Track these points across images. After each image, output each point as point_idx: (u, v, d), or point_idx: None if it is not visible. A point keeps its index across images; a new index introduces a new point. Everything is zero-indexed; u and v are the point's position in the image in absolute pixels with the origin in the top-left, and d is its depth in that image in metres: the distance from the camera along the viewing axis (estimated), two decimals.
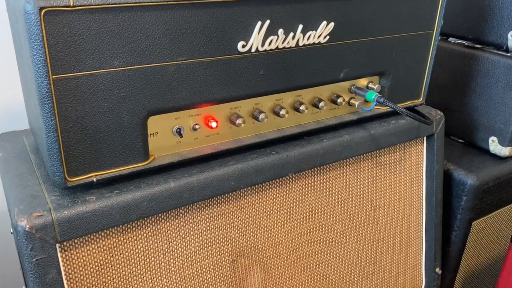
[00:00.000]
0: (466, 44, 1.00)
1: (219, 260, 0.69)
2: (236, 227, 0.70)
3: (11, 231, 0.71)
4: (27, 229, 0.52)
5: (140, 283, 0.63)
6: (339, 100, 0.74)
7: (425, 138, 0.89)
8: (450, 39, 1.04)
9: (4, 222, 0.99)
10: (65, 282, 0.56)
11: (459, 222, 0.96)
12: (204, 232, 0.67)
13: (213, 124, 0.64)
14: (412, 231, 0.92)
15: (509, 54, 0.92)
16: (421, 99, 0.85)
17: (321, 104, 0.72)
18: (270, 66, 0.64)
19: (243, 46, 0.61)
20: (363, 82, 0.78)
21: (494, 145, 0.97)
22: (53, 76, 0.49)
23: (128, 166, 0.59)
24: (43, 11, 0.46)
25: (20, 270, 0.84)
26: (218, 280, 0.69)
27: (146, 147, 0.59)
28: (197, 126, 0.63)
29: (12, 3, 0.56)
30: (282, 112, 0.69)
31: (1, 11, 0.85)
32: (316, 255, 0.80)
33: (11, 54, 0.87)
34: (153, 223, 0.62)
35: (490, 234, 1.05)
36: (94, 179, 0.56)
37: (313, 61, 0.68)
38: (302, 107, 0.70)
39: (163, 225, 0.63)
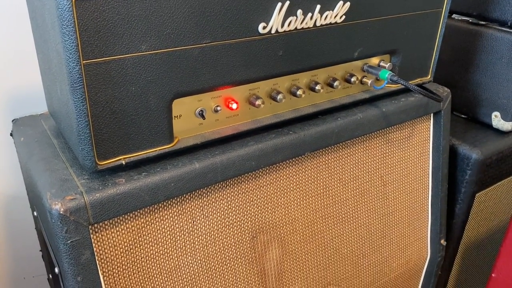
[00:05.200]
0: (470, 20, 1.01)
1: (240, 237, 0.71)
2: (255, 205, 0.72)
3: (35, 214, 0.72)
4: (61, 212, 0.53)
5: (167, 262, 0.65)
6: (352, 79, 0.76)
7: (432, 114, 0.91)
8: (454, 15, 1.05)
9: (11, 206, 1.00)
10: (97, 262, 0.58)
11: (463, 195, 0.99)
12: (226, 211, 0.69)
13: (234, 106, 0.65)
14: (418, 205, 0.95)
15: None
16: (429, 76, 0.87)
17: (335, 83, 0.74)
18: (288, 47, 0.65)
19: (264, 28, 0.61)
20: (374, 61, 0.79)
21: (497, 120, 0.99)
22: (84, 61, 0.50)
23: (155, 148, 0.60)
24: None
25: (39, 252, 0.86)
26: (239, 257, 0.72)
27: (171, 130, 0.60)
28: (218, 108, 0.64)
29: None
30: (299, 92, 0.70)
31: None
32: (330, 230, 0.83)
33: (20, 42, 0.87)
34: (178, 203, 0.64)
35: (491, 205, 1.09)
36: (123, 162, 0.57)
37: (329, 40, 0.69)
38: (317, 87, 0.72)
39: (188, 205, 0.65)
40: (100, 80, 0.52)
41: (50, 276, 0.80)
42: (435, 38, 0.84)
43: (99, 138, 0.54)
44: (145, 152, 0.59)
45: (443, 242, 0.99)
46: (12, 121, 0.75)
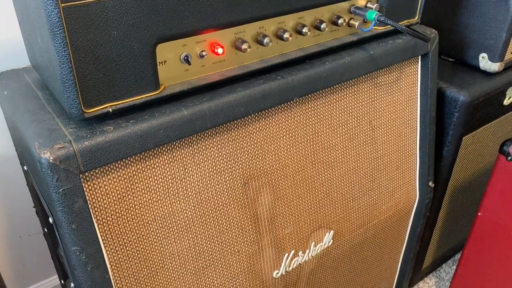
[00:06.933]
0: None
1: (232, 184, 0.72)
2: (246, 152, 0.72)
3: (25, 168, 0.72)
4: (51, 160, 0.53)
5: (160, 208, 0.65)
6: (339, 21, 0.74)
7: (419, 57, 0.91)
8: None
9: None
10: (90, 210, 0.59)
11: (451, 137, 1.01)
12: (217, 158, 0.69)
13: (219, 50, 0.64)
14: (407, 149, 0.97)
15: None
16: (417, 18, 0.86)
17: (322, 26, 0.72)
18: None
19: None
20: (361, 2, 0.77)
21: (484, 62, 0.99)
22: (63, 4, 0.48)
23: (141, 95, 0.59)
24: None
25: (33, 209, 0.86)
26: (232, 202, 0.73)
27: (156, 76, 0.60)
28: (203, 53, 0.63)
29: None
30: (286, 35, 0.69)
31: None
32: (320, 175, 0.84)
33: None
34: (169, 151, 0.64)
35: (478, 148, 1.11)
36: (110, 110, 0.57)
37: None
38: (304, 30, 0.71)
39: (178, 152, 0.65)
40: (81, 24, 0.50)
41: (45, 230, 0.81)
42: None
43: (84, 85, 0.54)
44: (131, 99, 0.58)
45: (431, 184, 1.02)
46: None
